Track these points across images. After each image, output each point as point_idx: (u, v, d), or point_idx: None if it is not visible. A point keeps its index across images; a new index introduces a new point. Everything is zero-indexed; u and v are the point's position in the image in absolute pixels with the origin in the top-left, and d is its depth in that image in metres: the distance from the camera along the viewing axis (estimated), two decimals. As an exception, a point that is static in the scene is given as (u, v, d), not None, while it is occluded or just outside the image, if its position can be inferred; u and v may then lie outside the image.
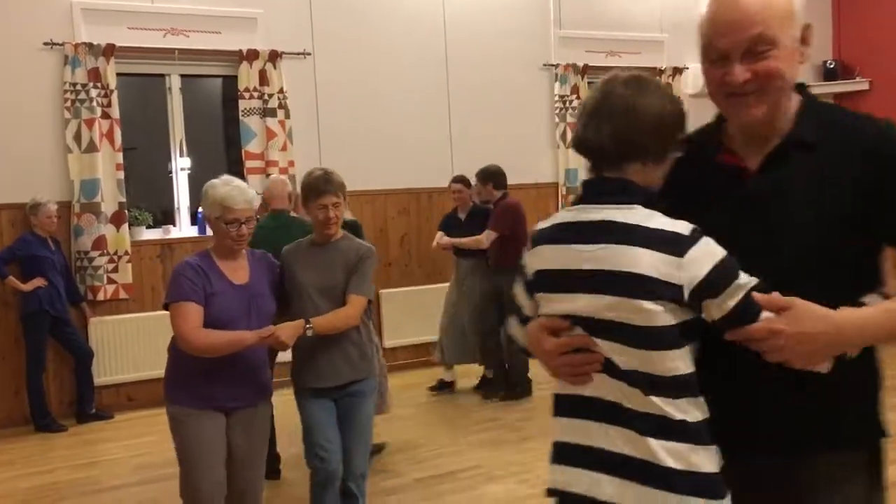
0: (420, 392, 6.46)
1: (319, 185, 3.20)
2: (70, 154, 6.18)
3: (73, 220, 6.20)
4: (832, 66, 9.24)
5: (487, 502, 4.10)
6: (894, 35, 8.83)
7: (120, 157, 6.36)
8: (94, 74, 6.22)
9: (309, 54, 7.00)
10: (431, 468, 4.67)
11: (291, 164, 6.83)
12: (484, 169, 6.20)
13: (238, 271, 3.05)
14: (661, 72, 8.30)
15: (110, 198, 6.32)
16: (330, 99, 7.08)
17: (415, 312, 7.24)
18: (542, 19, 7.94)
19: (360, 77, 7.19)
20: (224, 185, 2.98)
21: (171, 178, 6.86)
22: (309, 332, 3.03)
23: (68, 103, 6.17)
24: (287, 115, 6.83)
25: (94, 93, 6.21)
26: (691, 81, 8.47)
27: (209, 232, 3.23)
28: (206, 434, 2.96)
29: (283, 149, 6.82)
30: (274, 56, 6.77)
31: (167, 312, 3.00)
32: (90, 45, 6.21)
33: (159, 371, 3.27)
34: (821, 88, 9.28)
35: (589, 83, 8.09)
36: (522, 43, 7.86)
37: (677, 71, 8.37)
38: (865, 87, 9.09)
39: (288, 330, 2.99)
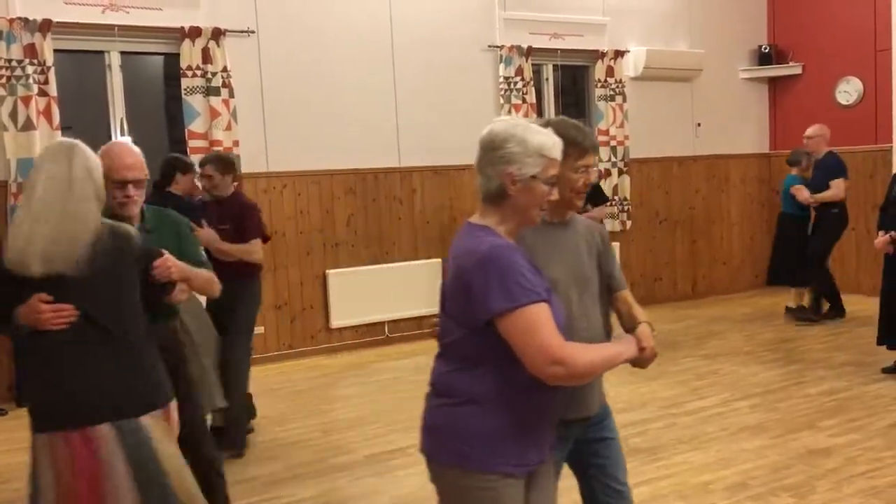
0: (368, 370, 6.52)
1: (582, 140, 2.28)
2: (6, 132, 6.01)
3: (9, 199, 6.06)
4: (766, 50, 9.52)
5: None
6: (827, 20, 9.15)
7: (59, 136, 6.21)
8: (31, 50, 6.06)
9: (253, 32, 6.92)
10: (383, 444, 4.73)
11: (236, 143, 6.78)
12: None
13: None
14: (603, 55, 8.43)
15: (49, 177, 6.18)
16: (274, 78, 7.03)
17: (361, 292, 7.32)
18: (487, 1, 7.98)
19: (305, 56, 7.15)
20: (532, 131, 2.00)
21: (112, 157, 6.73)
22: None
23: (3, 80, 5.99)
24: (231, 94, 6.76)
25: (30, 69, 6.05)
26: (633, 64, 8.65)
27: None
28: None
29: (228, 128, 6.75)
30: (217, 34, 6.68)
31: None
32: (25, 20, 6.03)
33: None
34: (755, 72, 9.58)
35: (533, 65, 8.18)
36: (467, 24, 7.90)
37: (619, 54, 8.51)
38: (798, 71, 9.39)
39: (650, 337, 2.24)
